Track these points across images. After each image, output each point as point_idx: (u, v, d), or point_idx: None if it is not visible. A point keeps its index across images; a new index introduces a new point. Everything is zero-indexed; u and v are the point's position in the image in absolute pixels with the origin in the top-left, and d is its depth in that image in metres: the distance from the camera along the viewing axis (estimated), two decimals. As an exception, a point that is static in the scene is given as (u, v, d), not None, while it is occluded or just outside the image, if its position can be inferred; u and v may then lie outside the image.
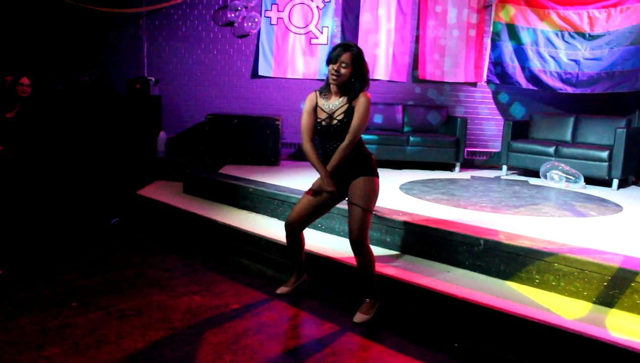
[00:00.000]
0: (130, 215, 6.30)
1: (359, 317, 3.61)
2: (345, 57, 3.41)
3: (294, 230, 3.79)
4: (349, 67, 3.44)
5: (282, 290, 4.06)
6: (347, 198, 3.61)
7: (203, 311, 3.70)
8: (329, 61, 3.46)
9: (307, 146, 3.57)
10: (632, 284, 3.28)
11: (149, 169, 7.58)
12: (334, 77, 3.45)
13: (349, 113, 3.48)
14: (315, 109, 3.60)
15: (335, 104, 3.54)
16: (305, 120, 3.59)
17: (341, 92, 3.53)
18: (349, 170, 3.58)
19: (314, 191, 3.58)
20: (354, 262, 3.65)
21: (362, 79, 3.50)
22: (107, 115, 7.84)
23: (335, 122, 3.52)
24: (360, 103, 3.46)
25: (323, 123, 3.55)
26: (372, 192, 3.56)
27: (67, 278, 4.21)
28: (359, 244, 3.50)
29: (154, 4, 8.26)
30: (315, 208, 3.69)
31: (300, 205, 3.72)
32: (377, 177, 3.63)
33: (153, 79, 8.13)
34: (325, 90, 3.61)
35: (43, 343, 3.13)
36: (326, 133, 3.56)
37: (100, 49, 8.40)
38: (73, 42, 8.26)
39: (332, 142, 3.57)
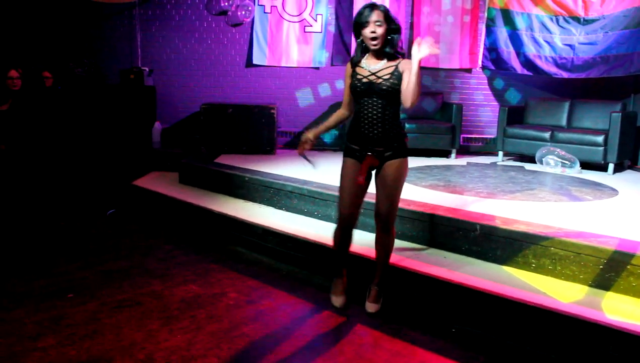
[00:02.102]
0: (126, 206, 6.29)
1: (372, 307, 3.56)
2: (376, 15, 3.20)
3: (351, 224, 3.51)
4: (384, 25, 3.22)
5: (340, 301, 3.63)
6: (377, 176, 3.44)
7: (200, 300, 3.69)
8: (360, 26, 3.24)
9: (338, 112, 3.64)
10: (628, 267, 3.29)
11: (144, 160, 7.55)
12: (373, 41, 3.23)
13: (398, 76, 3.24)
14: (352, 75, 3.37)
15: (378, 65, 3.30)
16: (345, 92, 3.51)
17: (381, 54, 3.30)
18: (388, 147, 3.35)
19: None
20: (351, 250, 3.63)
21: (398, 32, 3.30)
22: (101, 106, 7.79)
23: (380, 81, 3.27)
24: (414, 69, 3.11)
25: (364, 80, 3.30)
26: (405, 173, 3.44)
27: (63, 270, 4.20)
28: (390, 224, 3.48)
29: (147, -6, 8.21)
30: (362, 191, 3.47)
31: (347, 197, 3.44)
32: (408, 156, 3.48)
33: (147, 69, 8.09)
34: (359, 57, 3.37)
35: (38, 334, 3.13)
36: (369, 90, 3.30)
37: (93, 40, 8.34)
38: (65, 33, 8.20)
39: (375, 99, 3.29)
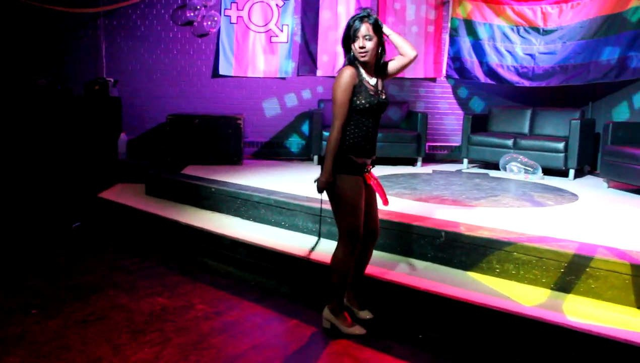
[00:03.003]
0: (92, 219, 6.21)
1: (368, 314, 3.60)
2: (364, 29, 3.07)
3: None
4: (374, 37, 3.12)
5: (361, 328, 3.43)
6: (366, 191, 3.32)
7: (167, 312, 3.67)
8: (350, 40, 3.11)
9: (338, 135, 3.13)
10: (587, 270, 3.39)
11: (110, 172, 7.46)
12: (362, 55, 3.11)
13: (385, 92, 3.27)
14: (364, 90, 3.16)
15: (374, 80, 3.23)
16: (345, 101, 3.11)
17: (373, 67, 3.25)
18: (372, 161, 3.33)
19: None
20: (316, 258, 3.67)
21: (383, 46, 3.24)
22: (65, 117, 7.68)
23: (384, 98, 3.23)
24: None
25: (374, 97, 3.16)
26: None
27: (27, 284, 4.13)
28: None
29: (112, 4, 8.12)
30: (368, 207, 3.36)
31: (359, 216, 3.23)
32: None
33: (112, 80, 8.00)
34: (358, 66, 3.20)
35: (1, 352, 3.06)
36: (379, 109, 3.21)
37: (57, 50, 8.23)
38: (27, 44, 8.07)
39: (377, 120, 3.25)
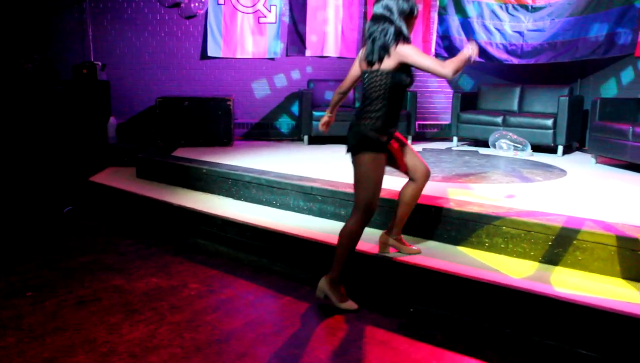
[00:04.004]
0: (83, 203, 6.21)
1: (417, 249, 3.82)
2: None
3: None
4: None
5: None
6: (398, 150, 3.58)
7: (161, 292, 3.71)
8: (413, 18, 3.32)
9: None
10: (574, 242, 3.44)
11: (100, 156, 7.45)
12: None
13: None
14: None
15: None
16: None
17: None
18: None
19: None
20: (308, 236, 3.70)
21: None
22: (54, 101, 7.64)
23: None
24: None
25: (412, 78, 3.38)
26: None
27: (21, 269, 4.14)
28: None
29: (97, -14, 8.06)
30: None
31: (378, 187, 3.40)
32: None
33: (100, 63, 7.94)
34: None
35: (-2, 332, 3.10)
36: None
37: (43, 35, 8.14)
38: (13, 28, 7.99)
39: None
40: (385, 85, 3.25)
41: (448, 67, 3.09)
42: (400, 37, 3.24)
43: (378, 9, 3.31)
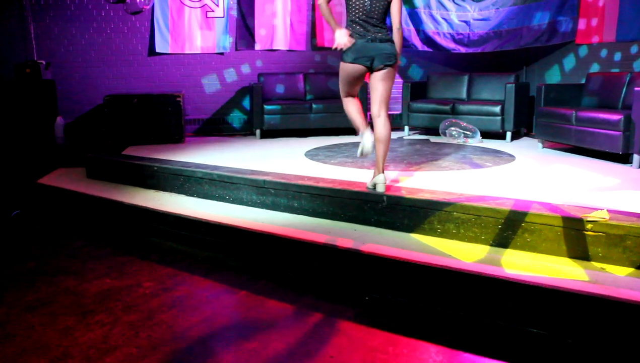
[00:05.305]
0: (32, 206, 6.04)
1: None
2: None
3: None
4: None
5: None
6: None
7: (115, 292, 3.65)
8: None
9: None
10: (523, 224, 3.54)
11: (48, 157, 7.26)
12: None
13: None
14: None
15: None
16: None
17: None
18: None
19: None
20: (262, 229, 3.69)
21: None
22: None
23: None
24: None
25: None
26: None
27: (-34, 275, 4.02)
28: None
29: (36, -18, 7.82)
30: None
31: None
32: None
33: (44, 62, 7.73)
34: None
35: (-56, 342, 2.99)
36: None
37: (-19, 34, 7.88)
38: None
39: None
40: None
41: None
42: None
43: None
